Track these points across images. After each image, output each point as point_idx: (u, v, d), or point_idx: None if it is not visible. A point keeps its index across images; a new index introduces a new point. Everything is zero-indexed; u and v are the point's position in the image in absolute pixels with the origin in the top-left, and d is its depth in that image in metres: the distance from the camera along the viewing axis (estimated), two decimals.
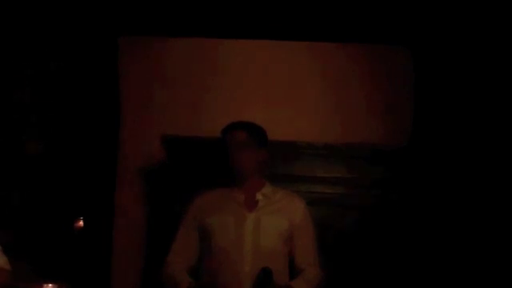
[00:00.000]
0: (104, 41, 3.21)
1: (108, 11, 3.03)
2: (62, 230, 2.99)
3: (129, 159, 3.25)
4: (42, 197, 3.01)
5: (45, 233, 2.95)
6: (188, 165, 3.12)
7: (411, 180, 3.04)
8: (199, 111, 3.23)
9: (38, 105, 3.15)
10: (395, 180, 3.07)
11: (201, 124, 3.16)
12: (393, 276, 2.98)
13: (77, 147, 3.13)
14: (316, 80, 3.27)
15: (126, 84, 3.29)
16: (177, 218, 2.58)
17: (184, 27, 3.19)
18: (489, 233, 2.81)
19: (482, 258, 2.80)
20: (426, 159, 3.02)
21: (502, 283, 2.70)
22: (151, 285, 3.10)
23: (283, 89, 3.26)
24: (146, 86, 3.30)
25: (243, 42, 3.28)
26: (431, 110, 3.07)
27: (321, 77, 3.27)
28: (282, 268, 2.43)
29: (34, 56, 3.13)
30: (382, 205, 3.07)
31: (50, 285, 2.19)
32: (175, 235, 2.54)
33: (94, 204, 3.08)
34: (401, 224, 3.03)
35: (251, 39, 3.26)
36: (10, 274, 2.20)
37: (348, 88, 3.24)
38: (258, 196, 2.48)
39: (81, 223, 2.99)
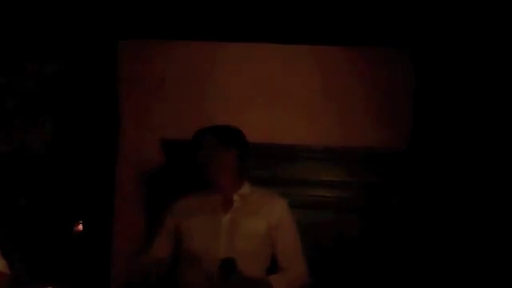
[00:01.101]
0: (104, 44, 3.21)
1: (108, 15, 3.02)
2: (62, 233, 2.98)
3: (128, 163, 3.25)
4: (42, 200, 3.01)
5: (44, 236, 2.94)
6: (187, 168, 3.11)
7: (411, 183, 3.04)
8: (198, 115, 3.22)
9: (38, 107, 3.15)
10: (395, 183, 3.07)
11: (200, 127, 3.15)
12: (393, 279, 2.98)
13: (76, 150, 3.12)
14: (315, 83, 3.26)
15: (125, 87, 3.29)
16: None
17: (183, 30, 3.19)
18: (489, 236, 2.81)
19: (482, 261, 2.80)
20: (425, 162, 3.02)
21: (502, 285, 2.70)
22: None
23: (283, 92, 3.26)
24: (145, 89, 3.30)
25: (243, 46, 3.28)
26: (431, 114, 3.07)
27: (320, 80, 3.27)
28: (260, 270, 2.41)
29: (34, 58, 3.13)
30: (382, 208, 3.06)
31: None
32: (151, 240, 2.55)
33: (93, 208, 3.08)
34: (401, 227, 3.03)
35: (251, 42, 3.27)
36: (9, 278, 2.20)
37: (348, 91, 3.24)
38: (235, 197, 2.48)
39: (80, 227, 2.99)
